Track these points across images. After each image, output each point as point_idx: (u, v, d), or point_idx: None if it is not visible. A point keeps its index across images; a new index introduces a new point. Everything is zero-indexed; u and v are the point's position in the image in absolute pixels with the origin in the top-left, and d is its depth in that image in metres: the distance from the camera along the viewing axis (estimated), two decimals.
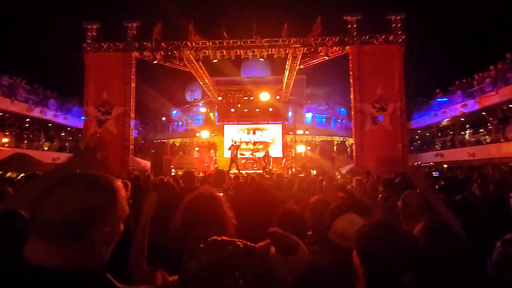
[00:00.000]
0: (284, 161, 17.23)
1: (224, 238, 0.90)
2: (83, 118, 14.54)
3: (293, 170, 14.96)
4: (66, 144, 17.86)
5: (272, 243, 0.92)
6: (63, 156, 16.36)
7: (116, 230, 0.83)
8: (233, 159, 14.62)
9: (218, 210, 1.33)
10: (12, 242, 0.79)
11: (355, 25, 13.27)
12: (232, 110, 19.85)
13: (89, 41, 13.76)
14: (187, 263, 0.90)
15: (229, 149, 15.53)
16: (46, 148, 16.67)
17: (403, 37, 13.01)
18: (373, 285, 0.96)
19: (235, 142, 15.20)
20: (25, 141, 15.56)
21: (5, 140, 14.15)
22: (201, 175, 12.14)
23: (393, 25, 13.18)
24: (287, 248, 0.92)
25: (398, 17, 13.17)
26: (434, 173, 13.38)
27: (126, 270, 1.34)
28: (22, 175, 11.85)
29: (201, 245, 0.88)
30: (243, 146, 18.94)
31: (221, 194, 3.15)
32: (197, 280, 0.79)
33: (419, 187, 2.14)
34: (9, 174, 11.86)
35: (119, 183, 0.85)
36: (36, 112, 16.44)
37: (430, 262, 1.22)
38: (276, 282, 0.82)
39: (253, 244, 0.94)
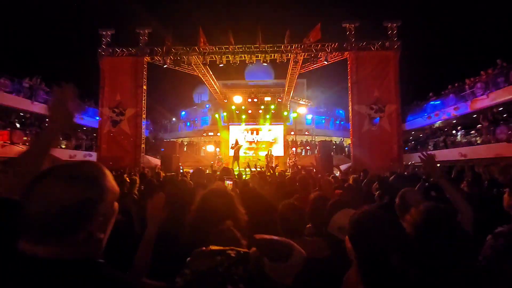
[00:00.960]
0: (288, 159, 17.20)
1: (212, 247, 0.80)
2: (98, 118, 14.63)
3: (295, 168, 14.92)
4: (83, 142, 17.98)
5: (260, 252, 0.82)
6: (80, 154, 16.50)
7: (111, 213, 0.77)
8: (236, 158, 14.66)
9: (230, 205, 1.33)
10: (7, 231, 0.71)
11: (353, 32, 13.20)
12: (237, 111, 19.87)
13: (104, 47, 13.84)
14: (173, 281, 0.78)
15: (232, 148, 15.57)
16: (63, 146, 16.79)
17: (399, 43, 12.93)
18: (363, 267, 0.98)
19: (238, 142, 15.20)
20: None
21: (25, 138, 14.28)
22: (207, 172, 12.15)
23: (389, 32, 13.11)
24: (278, 254, 0.82)
25: (394, 25, 13.09)
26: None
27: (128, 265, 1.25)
28: None
29: (188, 259, 0.78)
30: (247, 145, 18.96)
31: (231, 183, 3.17)
32: None
33: (432, 176, 2.09)
34: None
35: (103, 168, 0.77)
36: None
37: (416, 245, 1.22)
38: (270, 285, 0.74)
39: (247, 250, 0.84)
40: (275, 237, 0.85)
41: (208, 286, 0.72)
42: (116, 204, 0.79)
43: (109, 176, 0.77)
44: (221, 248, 0.82)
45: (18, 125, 14.92)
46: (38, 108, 15.56)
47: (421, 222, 1.30)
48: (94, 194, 0.71)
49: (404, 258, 1.02)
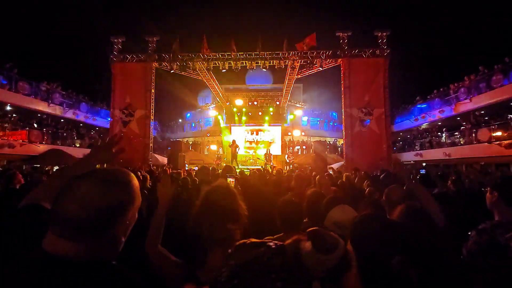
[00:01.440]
0: (286, 157, 17.22)
1: (252, 240, 0.80)
2: (109, 119, 14.62)
3: (291, 166, 14.93)
4: (95, 141, 17.99)
5: (312, 242, 0.82)
6: None
7: (133, 219, 0.77)
8: (233, 156, 14.70)
9: (233, 201, 1.33)
10: (36, 235, 0.70)
11: (346, 40, 13.19)
12: (238, 113, 19.88)
13: (116, 53, 13.82)
14: (218, 271, 0.77)
15: (229, 146, 15.60)
16: (77, 145, 16.80)
17: (388, 51, 12.92)
18: (365, 268, 0.97)
19: (235, 142, 15.24)
20: (60, 139, 15.69)
21: (44, 137, 14.29)
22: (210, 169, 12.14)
23: (380, 40, 13.09)
24: (328, 247, 0.83)
25: (384, 34, 13.08)
26: (420, 170, 13.16)
27: (141, 255, 1.28)
28: (56, 167, 11.99)
29: (229, 250, 0.77)
30: (247, 145, 18.96)
31: (233, 180, 3.18)
32: None
33: (402, 180, 2.10)
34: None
35: (132, 175, 0.78)
36: (69, 114, 16.57)
37: (417, 246, 1.21)
38: (309, 278, 0.74)
39: (282, 243, 0.84)
40: (326, 231, 0.86)
41: (253, 274, 0.71)
42: (136, 214, 0.79)
43: (137, 185, 0.78)
44: (261, 240, 0.82)
45: (35, 125, 14.91)
46: (54, 109, 15.56)
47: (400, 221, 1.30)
48: (126, 198, 0.72)
49: (405, 260, 1.01)
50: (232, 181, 2.94)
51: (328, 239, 0.83)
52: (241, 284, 0.68)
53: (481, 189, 3.49)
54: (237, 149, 15.05)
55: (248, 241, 0.79)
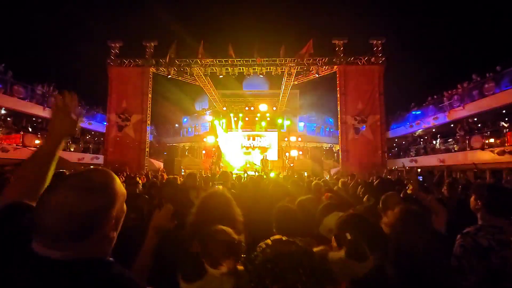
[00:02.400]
0: (286, 161, 17.25)
1: (287, 238, 0.85)
2: (105, 123, 14.54)
3: (288, 172, 14.93)
4: (90, 146, 17.82)
5: (348, 248, 0.89)
6: (87, 157, 16.33)
7: (121, 213, 0.75)
8: (217, 164, 14.85)
9: (228, 207, 1.33)
10: (22, 233, 0.69)
11: (342, 48, 13.39)
12: (235, 119, 19.90)
13: (113, 58, 13.83)
14: (251, 254, 0.83)
15: (213, 155, 15.53)
16: (72, 149, 16.62)
17: (383, 58, 13.13)
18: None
19: (219, 149, 15.37)
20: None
21: (37, 142, 14.11)
22: (207, 174, 12.09)
23: (375, 48, 13.31)
24: (361, 255, 0.89)
25: (379, 42, 13.31)
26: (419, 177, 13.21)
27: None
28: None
29: (267, 240, 0.82)
30: (243, 150, 18.95)
31: (220, 187, 3.18)
32: (265, 271, 0.74)
33: (413, 185, 2.15)
34: None
35: (111, 174, 0.75)
36: None
37: (393, 245, 1.24)
38: (333, 282, 0.79)
39: (311, 249, 0.90)
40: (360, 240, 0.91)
41: (285, 265, 0.75)
42: (124, 206, 0.78)
43: (117, 180, 0.76)
44: (293, 239, 0.87)
45: (30, 129, 14.75)
46: (49, 113, 15.41)
47: (396, 223, 1.32)
48: (106, 201, 0.70)
49: (382, 257, 1.04)
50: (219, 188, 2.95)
51: (361, 248, 0.89)
52: (273, 270, 0.73)
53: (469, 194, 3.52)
54: (221, 156, 15.19)
55: (283, 237, 0.85)
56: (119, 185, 0.76)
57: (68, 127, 1.02)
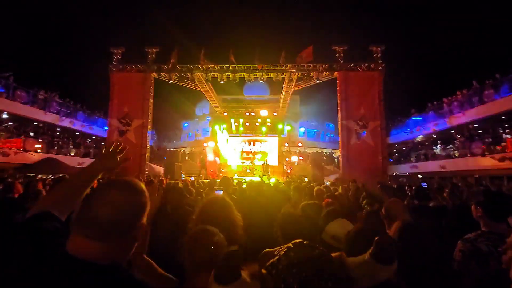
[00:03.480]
0: (285, 167, 17.24)
1: (308, 242, 0.87)
2: (106, 128, 14.59)
3: (288, 178, 14.90)
4: (91, 150, 17.85)
5: (375, 251, 0.88)
6: (88, 161, 16.34)
7: (144, 225, 0.83)
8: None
9: (229, 213, 1.34)
10: (53, 239, 0.77)
11: (342, 54, 13.50)
12: (236, 124, 19.96)
13: (115, 63, 13.94)
14: (271, 261, 0.83)
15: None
16: (73, 154, 16.64)
17: (383, 65, 13.23)
18: None
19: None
20: (55, 148, 15.55)
21: (38, 146, 14.15)
22: (207, 180, 12.08)
23: (375, 55, 13.41)
24: (389, 258, 0.88)
25: (379, 48, 13.41)
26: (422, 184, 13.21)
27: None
28: (51, 176, 11.81)
29: (289, 244, 0.84)
30: (244, 155, 18.97)
31: (221, 193, 3.19)
32: (290, 276, 0.75)
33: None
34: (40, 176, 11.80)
35: (143, 184, 0.86)
36: (66, 122, 16.51)
37: (402, 258, 1.25)
38: (353, 286, 0.80)
39: (330, 254, 0.90)
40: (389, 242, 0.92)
41: (309, 270, 0.76)
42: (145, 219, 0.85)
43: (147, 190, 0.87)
44: (315, 245, 0.88)
45: (31, 134, 14.79)
46: (51, 118, 15.50)
47: (398, 238, 1.33)
48: (144, 202, 0.81)
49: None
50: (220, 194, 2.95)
51: (390, 251, 0.89)
52: (298, 274, 0.74)
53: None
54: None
55: (305, 242, 0.86)
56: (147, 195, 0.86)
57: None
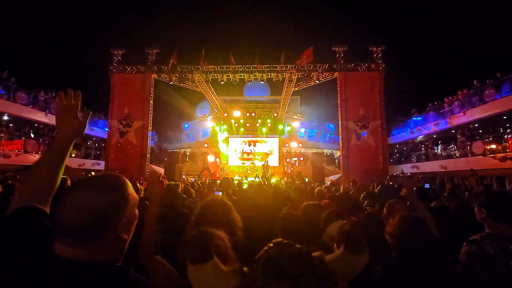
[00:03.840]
0: (285, 167, 17.24)
1: (288, 241, 0.89)
2: (107, 129, 14.60)
3: (289, 178, 14.88)
4: (91, 151, 17.86)
5: (346, 241, 0.92)
6: (88, 163, 16.35)
7: (133, 217, 0.80)
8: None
9: (228, 214, 1.34)
10: (42, 237, 0.73)
11: (342, 55, 13.50)
12: (236, 124, 19.96)
13: (115, 64, 13.97)
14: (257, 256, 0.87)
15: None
16: (73, 155, 16.64)
17: (383, 65, 13.22)
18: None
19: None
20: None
21: (40, 147, 14.16)
22: (208, 181, 12.08)
23: (375, 55, 13.41)
24: (359, 246, 0.91)
25: (379, 49, 13.41)
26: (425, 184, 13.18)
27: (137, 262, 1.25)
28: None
29: (269, 244, 0.86)
30: (244, 156, 18.97)
31: (220, 194, 3.19)
32: (269, 269, 0.78)
33: (406, 191, 2.16)
34: None
35: (123, 178, 0.82)
36: None
37: (397, 256, 1.24)
38: (333, 283, 0.82)
39: (311, 252, 0.91)
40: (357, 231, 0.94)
41: (287, 265, 0.77)
42: (136, 210, 0.83)
43: (130, 185, 0.82)
44: (294, 243, 0.89)
45: (32, 135, 14.81)
46: (52, 119, 15.53)
47: (397, 231, 1.32)
48: (119, 199, 0.75)
49: (386, 268, 1.04)
50: (219, 196, 2.94)
51: (359, 239, 0.91)
52: (276, 268, 0.77)
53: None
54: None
55: (285, 241, 0.87)
56: (132, 189, 0.81)
57: (75, 127, 0.98)
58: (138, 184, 5.62)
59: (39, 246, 0.71)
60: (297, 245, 0.86)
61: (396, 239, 1.29)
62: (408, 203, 2.12)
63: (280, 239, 0.89)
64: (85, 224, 0.69)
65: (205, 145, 22.31)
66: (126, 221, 0.76)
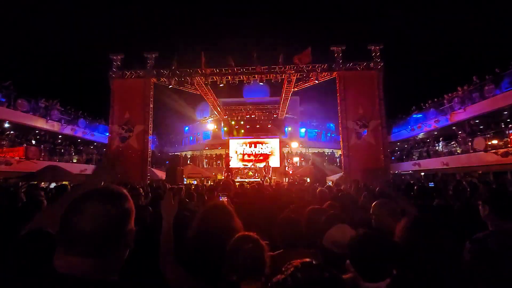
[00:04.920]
0: (286, 168, 17.22)
1: (317, 262, 0.81)
2: (108, 134, 14.63)
3: (290, 179, 14.86)
4: (93, 157, 17.89)
5: (393, 281, 0.89)
6: (90, 168, 16.37)
7: (131, 233, 0.80)
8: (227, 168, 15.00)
9: (229, 219, 1.33)
10: (42, 258, 0.76)
11: (340, 54, 13.50)
12: (236, 126, 19.97)
13: (115, 70, 14.01)
14: (276, 279, 0.78)
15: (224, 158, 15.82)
16: (75, 161, 16.68)
17: (382, 64, 13.20)
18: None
19: (228, 154, 15.53)
20: (57, 155, 15.60)
21: (41, 154, 14.20)
22: (209, 183, 12.07)
23: (373, 54, 13.40)
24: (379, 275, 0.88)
25: (377, 47, 13.40)
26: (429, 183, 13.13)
27: (156, 271, 1.28)
28: (54, 184, 11.83)
29: (295, 263, 0.77)
30: (245, 157, 18.95)
31: (225, 199, 3.18)
32: None
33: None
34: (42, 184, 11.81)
35: (124, 190, 0.84)
36: (68, 130, 16.58)
37: (411, 260, 1.21)
38: None
39: (342, 276, 0.85)
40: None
41: None
42: (133, 225, 0.83)
43: (129, 196, 0.83)
44: (325, 265, 0.82)
45: (33, 142, 14.85)
46: (53, 126, 15.57)
47: (407, 235, 1.29)
48: (126, 208, 0.78)
49: (401, 273, 1.01)
50: (225, 200, 2.92)
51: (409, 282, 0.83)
52: None
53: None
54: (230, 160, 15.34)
55: (315, 262, 0.80)
56: (131, 200, 0.83)
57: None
58: (141, 189, 5.61)
59: (41, 263, 0.74)
60: (328, 269, 0.77)
61: (407, 243, 1.25)
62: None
63: (309, 260, 0.79)
64: (97, 233, 0.70)
65: (206, 148, 22.30)
66: (132, 232, 0.78)
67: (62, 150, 16.26)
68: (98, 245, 0.71)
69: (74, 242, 0.70)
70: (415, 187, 4.04)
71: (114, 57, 14.05)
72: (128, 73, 14.04)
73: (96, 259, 0.71)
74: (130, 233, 0.77)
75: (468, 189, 4.70)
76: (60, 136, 16.94)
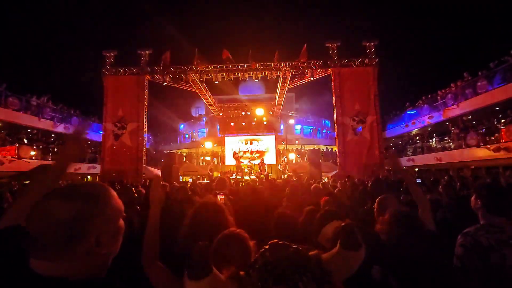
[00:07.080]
0: (279, 166, 17.26)
1: (284, 242, 0.87)
2: (101, 132, 14.47)
3: (286, 175, 14.90)
4: (86, 155, 17.68)
5: (342, 238, 0.93)
6: (84, 166, 16.20)
7: (114, 229, 0.75)
8: (238, 167, 14.93)
9: (221, 217, 1.33)
10: (19, 257, 0.70)
11: (335, 51, 13.52)
12: (232, 123, 19.91)
13: (108, 67, 13.84)
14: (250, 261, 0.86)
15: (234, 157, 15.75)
16: None
17: (377, 60, 13.27)
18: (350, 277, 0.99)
19: (238, 153, 15.43)
20: (50, 154, 15.39)
21: (32, 153, 13.99)
22: (205, 181, 12.04)
23: (368, 50, 13.45)
24: (355, 243, 0.92)
25: (372, 44, 13.45)
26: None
27: (140, 269, 1.22)
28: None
29: (265, 246, 0.85)
30: (241, 154, 18.93)
31: (223, 197, 3.18)
32: (266, 273, 0.76)
33: (397, 171, 2.14)
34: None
35: (106, 187, 0.78)
36: (60, 128, 16.34)
37: (395, 256, 1.23)
38: (330, 283, 0.81)
39: (307, 252, 0.92)
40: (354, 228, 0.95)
41: (284, 268, 0.77)
42: (121, 222, 0.78)
43: (113, 195, 0.77)
44: (290, 243, 0.88)
45: (25, 141, 14.62)
46: (45, 124, 15.33)
47: (389, 229, 1.31)
48: (89, 209, 0.70)
49: (384, 269, 1.03)
50: (222, 198, 2.92)
51: (355, 236, 0.93)
52: (273, 271, 0.76)
53: (469, 193, 3.53)
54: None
55: (280, 242, 0.86)
56: (113, 200, 0.76)
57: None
58: (140, 187, 5.57)
59: (16, 265, 0.69)
60: (293, 246, 0.84)
61: (387, 237, 1.28)
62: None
63: (275, 240, 0.86)
64: (51, 234, 0.65)
65: (202, 145, 22.20)
66: (104, 233, 0.71)
67: (55, 149, 16.04)
68: (55, 247, 0.66)
69: (33, 245, 0.67)
70: (404, 183, 4.08)
71: (107, 54, 13.87)
72: (121, 70, 13.89)
73: (60, 262, 0.66)
74: (104, 234, 0.71)
75: (458, 184, 4.77)
76: (53, 135, 16.70)
